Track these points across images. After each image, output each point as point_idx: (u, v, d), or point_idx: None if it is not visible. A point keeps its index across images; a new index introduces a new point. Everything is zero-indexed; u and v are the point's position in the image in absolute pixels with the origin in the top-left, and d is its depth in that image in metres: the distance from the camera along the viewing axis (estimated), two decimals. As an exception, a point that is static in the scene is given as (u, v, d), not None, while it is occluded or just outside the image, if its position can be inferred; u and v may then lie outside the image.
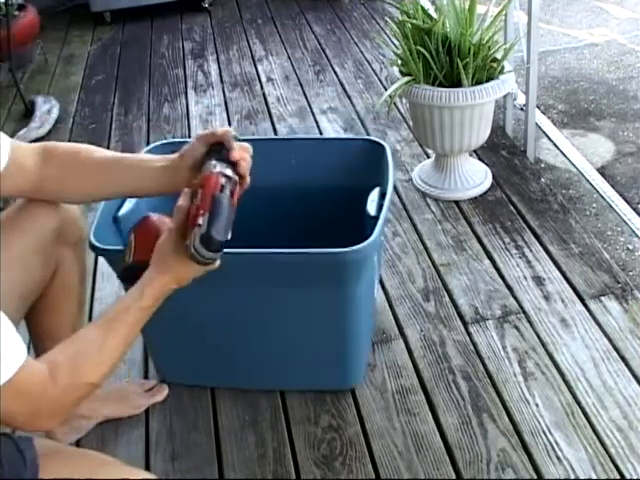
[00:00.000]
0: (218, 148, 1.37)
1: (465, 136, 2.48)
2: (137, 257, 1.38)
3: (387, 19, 3.33)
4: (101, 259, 2.24)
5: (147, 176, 1.45)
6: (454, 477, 1.66)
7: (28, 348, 1.77)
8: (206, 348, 1.86)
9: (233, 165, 1.33)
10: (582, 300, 2.09)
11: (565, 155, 3.09)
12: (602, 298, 2.09)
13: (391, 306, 2.14)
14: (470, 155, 2.68)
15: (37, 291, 1.56)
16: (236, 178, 1.32)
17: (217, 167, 1.31)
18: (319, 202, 2.05)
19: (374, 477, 1.68)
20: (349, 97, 3.39)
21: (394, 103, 3.11)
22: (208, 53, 4.09)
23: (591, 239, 2.34)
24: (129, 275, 1.38)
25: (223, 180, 1.28)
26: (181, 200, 1.30)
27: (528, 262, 2.26)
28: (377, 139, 2.06)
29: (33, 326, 1.67)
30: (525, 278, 2.20)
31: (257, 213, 2.00)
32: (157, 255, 1.27)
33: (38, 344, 1.70)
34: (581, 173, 2.97)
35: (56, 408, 1.13)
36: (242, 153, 1.35)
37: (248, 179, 1.37)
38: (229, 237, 1.24)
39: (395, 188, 2.59)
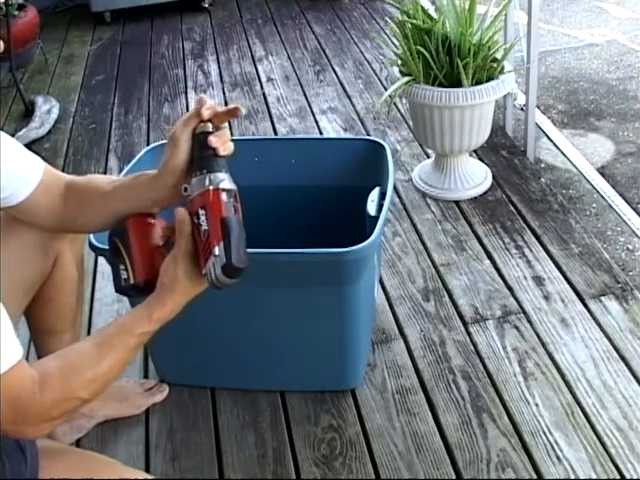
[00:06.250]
0: (201, 138, 1.20)
1: (465, 136, 2.48)
2: (139, 278, 1.26)
3: (387, 19, 3.33)
4: (101, 259, 2.25)
5: (143, 194, 1.31)
6: (454, 477, 1.66)
7: (29, 344, 1.79)
8: (206, 348, 1.86)
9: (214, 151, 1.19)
10: (582, 300, 2.09)
11: (565, 155, 3.09)
12: (602, 298, 2.09)
13: (391, 306, 2.14)
14: (470, 155, 2.68)
15: (37, 285, 1.56)
16: (234, 187, 1.20)
17: (210, 180, 1.17)
18: (319, 202, 2.05)
19: (374, 477, 1.68)
20: (349, 97, 3.39)
21: (394, 103, 3.12)
22: (208, 53, 4.09)
23: (591, 239, 2.34)
24: (131, 293, 1.31)
25: (225, 197, 1.17)
26: (181, 219, 1.18)
27: (528, 262, 2.26)
28: (377, 139, 2.06)
29: (33, 321, 1.67)
30: (525, 278, 2.20)
31: (257, 213, 2.00)
32: (168, 282, 1.19)
33: (38, 339, 1.70)
34: (581, 173, 2.97)
35: (43, 417, 1.10)
36: (221, 137, 1.22)
37: (230, 145, 1.23)
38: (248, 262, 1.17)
39: (395, 188, 2.59)
